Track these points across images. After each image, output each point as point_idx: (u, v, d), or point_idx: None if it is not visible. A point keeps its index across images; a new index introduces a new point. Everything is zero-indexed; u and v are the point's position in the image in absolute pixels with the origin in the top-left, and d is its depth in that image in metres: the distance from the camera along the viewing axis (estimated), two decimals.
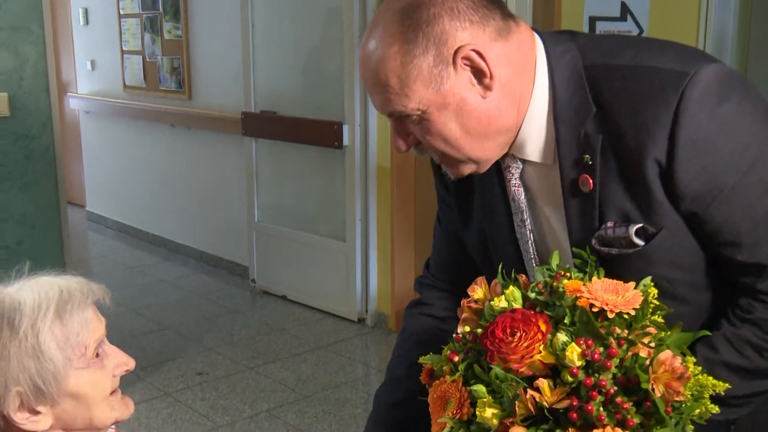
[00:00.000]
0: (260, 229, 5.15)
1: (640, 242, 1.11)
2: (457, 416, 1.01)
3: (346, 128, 4.41)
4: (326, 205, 4.72)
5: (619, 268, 1.11)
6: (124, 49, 6.30)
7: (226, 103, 5.33)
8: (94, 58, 6.78)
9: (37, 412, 1.12)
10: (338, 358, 4.16)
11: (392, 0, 1.10)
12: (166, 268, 5.78)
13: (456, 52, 1.07)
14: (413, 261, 4.41)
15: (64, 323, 1.13)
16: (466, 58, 1.08)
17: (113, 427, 1.26)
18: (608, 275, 1.07)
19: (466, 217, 1.34)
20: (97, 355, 1.18)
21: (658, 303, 1.02)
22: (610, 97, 1.10)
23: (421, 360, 1.11)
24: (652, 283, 1.03)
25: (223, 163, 5.50)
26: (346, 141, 4.43)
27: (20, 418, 1.11)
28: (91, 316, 1.17)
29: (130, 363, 1.23)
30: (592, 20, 2.42)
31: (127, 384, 4.08)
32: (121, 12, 6.25)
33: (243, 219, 5.27)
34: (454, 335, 1.07)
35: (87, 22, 6.77)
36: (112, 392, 1.20)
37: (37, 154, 3.25)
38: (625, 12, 2.48)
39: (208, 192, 5.73)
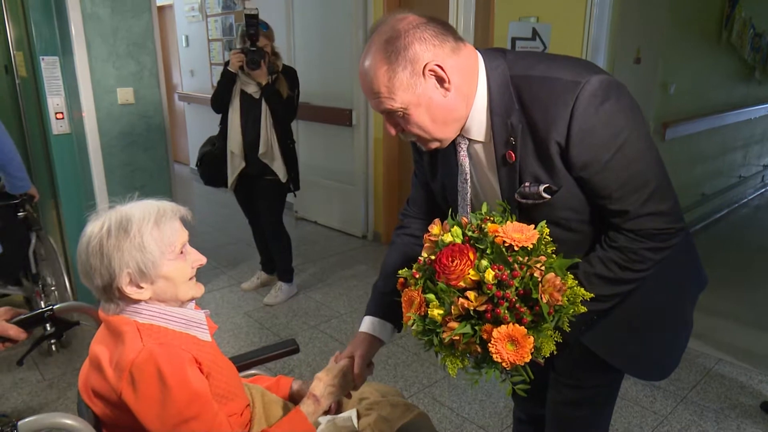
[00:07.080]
0: (301, 179, 5.03)
1: (547, 196, 1.06)
2: (418, 312, 1.00)
3: (354, 113, 4.30)
4: (342, 163, 4.60)
5: (533, 212, 1.08)
6: (212, 62, 6.12)
7: None
8: (192, 68, 6.59)
9: (141, 287, 1.08)
10: (349, 260, 4.12)
11: (379, 32, 1.02)
12: None
13: (425, 66, 1.00)
14: (397, 199, 4.32)
15: (160, 229, 1.08)
16: (432, 70, 1.01)
17: (194, 303, 1.21)
18: (525, 217, 1.04)
19: (432, 174, 1.28)
20: (182, 252, 1.12)
21: (549, 239, 0.98)
22: (528, 98, 1.03)
23: (399, 273, 1.06)
24: (546, 227, 0.99)
25: None
26: (354, 122, 4.32)
27: (129, 290, 1.07)
28: (178, 225, 1.12)
29: (203, 260, 1.17)
30: (514, 40, 2.32)
31: (214, 276, 4.00)
32: (210, 37, 6.05)
33: None
34: (419, 258, 1.03)
35: (188, 45, 6.56)
36: (191, 278, 1.14)
37: (153, 128, 3.15)
38: (535, 35, 2.37)
39: None
